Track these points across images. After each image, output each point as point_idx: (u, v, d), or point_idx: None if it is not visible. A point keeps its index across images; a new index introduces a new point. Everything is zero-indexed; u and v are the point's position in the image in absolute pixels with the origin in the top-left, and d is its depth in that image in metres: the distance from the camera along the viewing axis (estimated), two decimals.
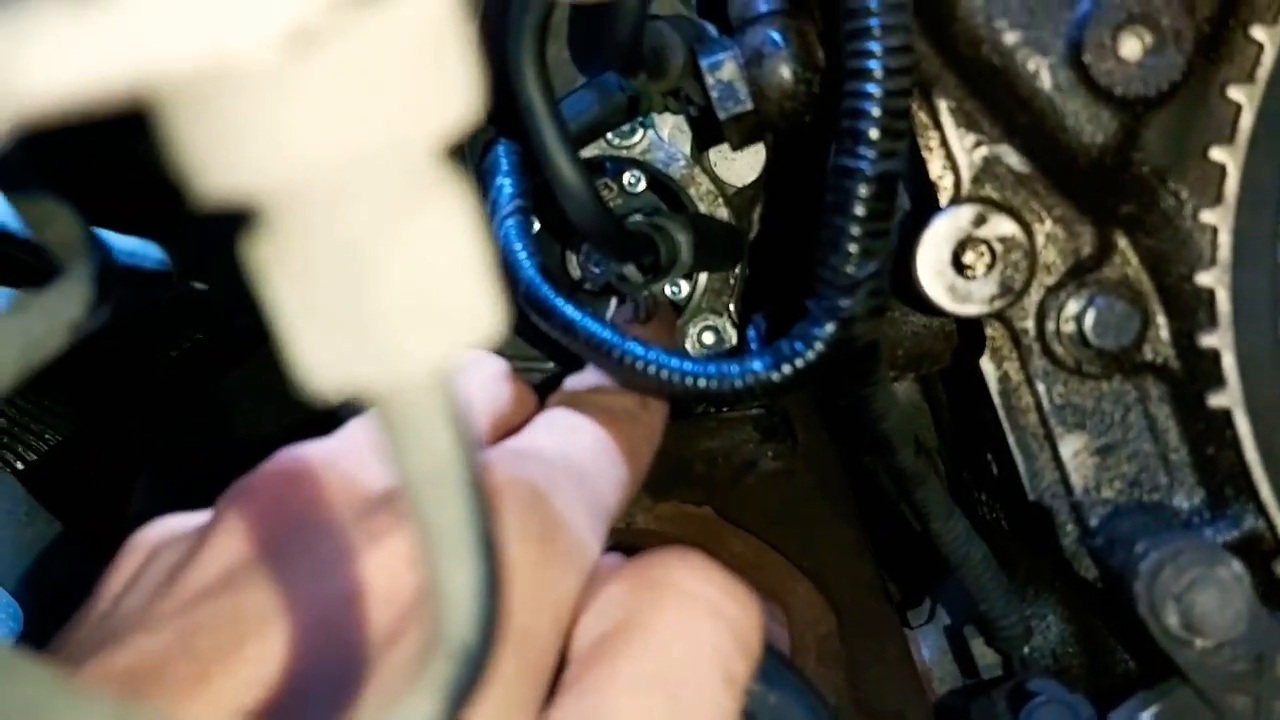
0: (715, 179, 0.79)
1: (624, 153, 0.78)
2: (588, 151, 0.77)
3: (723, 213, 0.79)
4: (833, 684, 0.80)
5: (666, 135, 0.79)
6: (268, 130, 0.18)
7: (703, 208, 0.78)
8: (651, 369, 0.56)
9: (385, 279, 0.19)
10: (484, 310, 0.20)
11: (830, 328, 0.54)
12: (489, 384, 0.52)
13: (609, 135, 0.77)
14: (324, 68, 0.17)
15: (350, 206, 0.19)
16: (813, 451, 0.79)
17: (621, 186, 0.77)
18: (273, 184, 0.19)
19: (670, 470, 0.81)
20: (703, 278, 0.79)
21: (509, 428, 0.53)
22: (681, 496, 0.82)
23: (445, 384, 0.21)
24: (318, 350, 0.20)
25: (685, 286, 0.78)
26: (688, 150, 0.79)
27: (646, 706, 0.35)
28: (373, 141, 0.19)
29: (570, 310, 0.58)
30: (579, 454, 0.48)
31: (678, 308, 0.79)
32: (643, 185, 0.77)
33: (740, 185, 0.80)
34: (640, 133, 0.78)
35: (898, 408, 0.59)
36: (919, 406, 0.81)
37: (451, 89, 0.19)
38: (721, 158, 0.80)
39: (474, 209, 0.20)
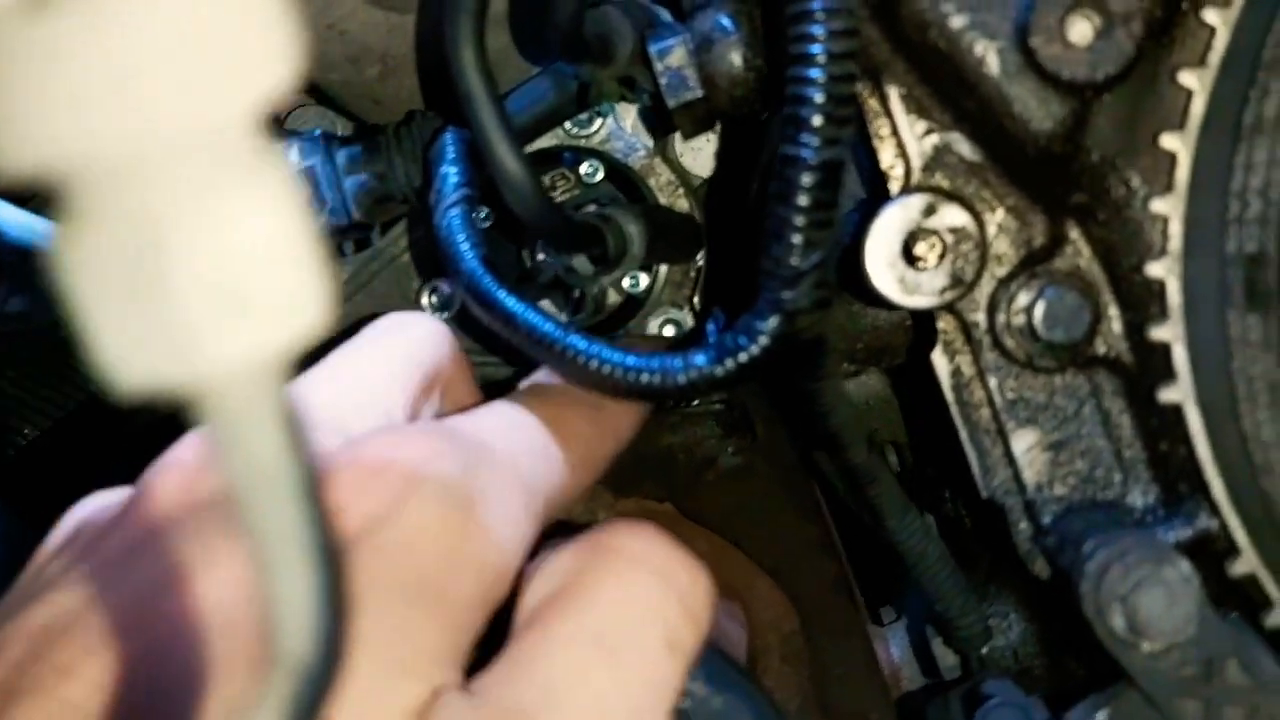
0: (680, 170, 0.78)
1: (582, 142, 0.77)
2: (545, 141, 0.76)
3: (683, 204, 0.78)
4: (796, 683, 0.78)
5: (630, 124, 0.77)
6: (48, 99, 0.17)
7: (663, 198, 0.77)
8: (593, 364, 0.55)
9: (186, 267, 0.18)
10: (304, 301, 0.19)
11: (774, 321, 0.52)
12: (423, 341, 0.51)
13: (567, 124, 0.76)
14: (92, 27, 0.16)
15: (146, 187, 0.17)
16: (773, 447, 0.77)
17: (579, 177, 0.76)
18: (63, 160, 0.17)
19: (632, 466, 0.79)
20: (663, 270, 0.78)
21: (457, 395, 0.53)
22: (643, 493, 0.81)
23: (268, 382, 0.19)
24: (119, 346, 0.18)
25: (645, 279, 0.77)
26: (651, 140, 0.78)
27: (583, 664, 0.36)
28: (167, 113, 0.17)
29: (512, 303, 0.56)
30: (514, 438, 0.47)
31: (637, 301, 0.77)
32: (600, 175, 0.75)
33: (706, 176, 0.78)
34: (599, 122, 0.76)
35: (846, 403, 0.58)
36: (887, 400, 0.80)
37: (262, 53, 0.18)
38: (688, 148, 0.78)
39: (295, 187, 0.19)
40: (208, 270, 0.18)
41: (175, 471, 0.38)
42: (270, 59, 0.18)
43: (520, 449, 0.47)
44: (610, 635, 0.36)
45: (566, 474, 0.50)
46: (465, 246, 0.58)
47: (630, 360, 0.55)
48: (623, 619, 0.37)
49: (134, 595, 0.34)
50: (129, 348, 0.18)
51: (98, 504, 0.41)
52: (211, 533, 0.35)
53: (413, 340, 0.51)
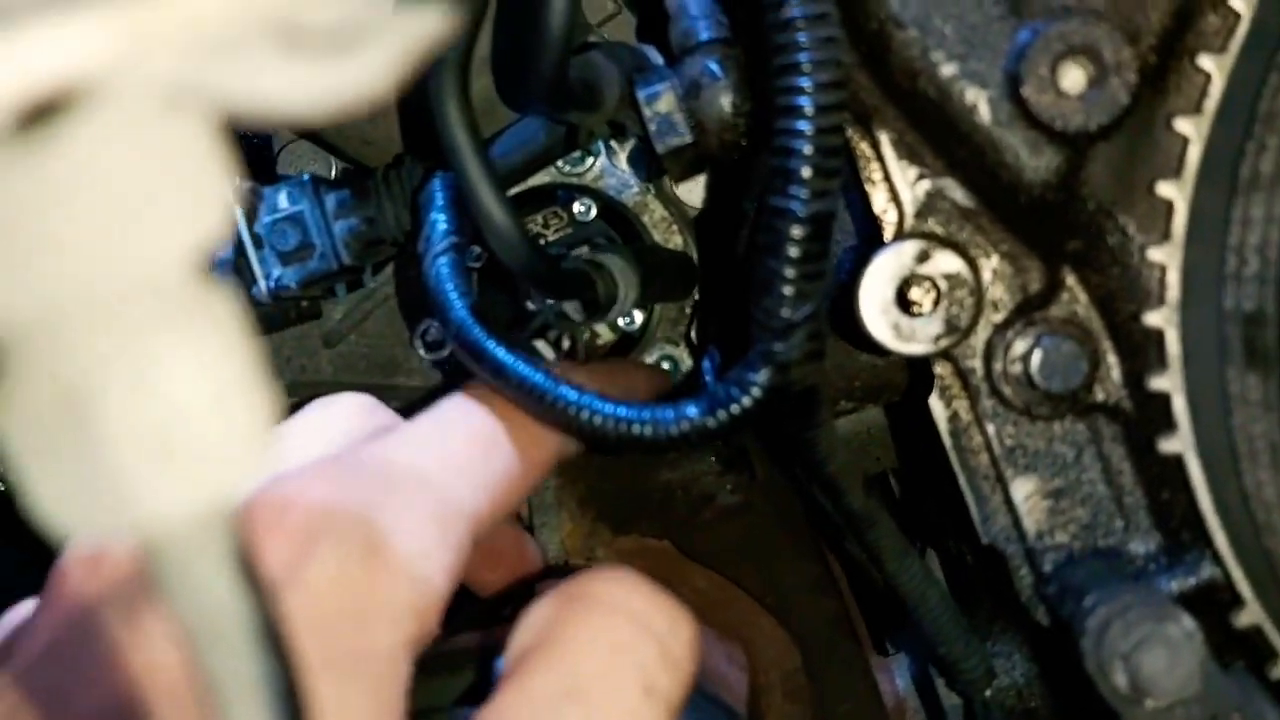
0: (675, 203, 0.77)
1: (575, 180, 0.76)
2: (538, 179, 0.75)
3: (677, 240, 0.77)
4: None
5: (623, 161, 0.77)
6: None
7: (657, 235, 0.76)
8: (584, 415, 0.54)
9: (117, 421, 0.17)
10: (243, 447, 0.18)
11: (766, 373, 0.51)
12: (349, 414, 0.51)
13: (559, 162, 0.75)
14: (10, 184, 0.15)
15: (75, 341, 0.17)
16: (772, 485, 0.76)
17: (572, 215, 0.75)
18: None
19: (630, 504, 0.79)
20: (658, 307, 0.77)
21: None
22: (642, 530, 0.80)
23: (212, 530, 0.19)
24: (55, 498, 0.18)
25: (639, 317, 0.76)
26: (645, 177, 0.77)
27: (556, 717, 0.35)
28: (95, 266, 0.17)
29: (501, 354, 0.56)
30: (433, 458, 0.47)
31: (632, 339, 0.77)
32: (594, 213, 0.75)
33: (701, 206, 0.78)
34: (591, 160, 0.76)
35: (842, 450, 0.57)
36: (885, 429, 0.79)
37: (194, 197, 0.17)
38: (685, 181, 0.78)
39: (236, 328, 0.18)
40: (139, 423, 0.17)
41: (79, 560, 0.37)
42: (203, 203, 0.17)
43: (436, 467, 0.46)
44: (584, 684, 0.36)
45: (503, 480, 0.50)
46: (454, 296, 0.57)
47: (621, 412, 0.54)
48: (596, 667, 0.37)
49: (59, 691, 0.33)
50: (65, 499, 0.18)
51: (15, 615, 0.41)
52: (131, 612, 0.34)
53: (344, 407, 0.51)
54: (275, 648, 0.20)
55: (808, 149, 0.48)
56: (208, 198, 0.17)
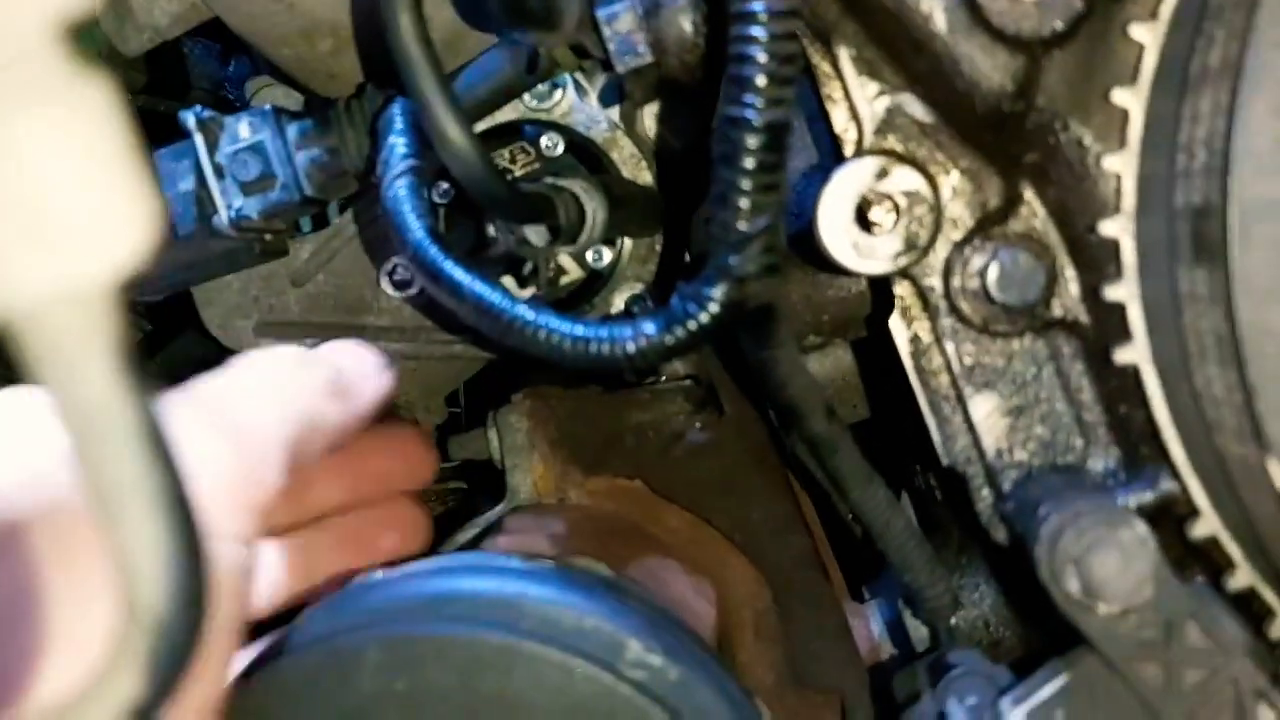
0: (643, 140, 0.77)
1: (543, 115, 0.76)
2: (505, 114, 0.75)
3: (646, 177, 0.77)
4: (770, 660, 0.78)
5: (592, 97, 0.76)
6: None
7: (626, 171, 0.76)
8: (541, 334, 0.54)
9: None
10: (121, 227, 0.18)
11: (722, 287, 0.51)
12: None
13: (527, 98, 0.75)
14: None
15: None
16: (741, 422, 0.76)
17: (539, 150, 0.75)
18: None
19: (602, 443, 0.78)
20: (627, 245, 0.77)
21: None
22: (613, 470, 0.80)
23: (91, 314, 0.18)
24: None
25: (608, 254, 0.76)
26: (614, 113, 0.76)
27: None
28: None
29: (459, 273, 0.55)
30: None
31: (600, 276, 0.76)
32: (561, 149, 0.74)
33: (674, 145, 0.77)
34: (560, 94, 0.75)
35: (803, 372, 0.56)
36: (854, 374, 0.79)
37: None
38: (655, 118, 0.77)
39: (110, 106, 0.18)
40: (5, 198, 0.17)
41: None
42: None
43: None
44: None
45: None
46: (411, 217, 0.57)
47: (579, 329, 0.54)
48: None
49: None
50: None
51: None
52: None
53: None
54: (160, 448, 0.20)
55: (762, 56, 0.48)
56: None
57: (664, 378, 0.80)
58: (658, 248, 0.78)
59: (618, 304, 0.77)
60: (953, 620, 0.66)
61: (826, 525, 0.83)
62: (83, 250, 0.17)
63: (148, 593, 0.20)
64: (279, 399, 0.48)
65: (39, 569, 0.32)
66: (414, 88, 0.52)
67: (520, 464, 0.80)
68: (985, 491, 0.56)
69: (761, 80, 0.48)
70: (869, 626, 0.79)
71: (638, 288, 0.78)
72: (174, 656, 0.21)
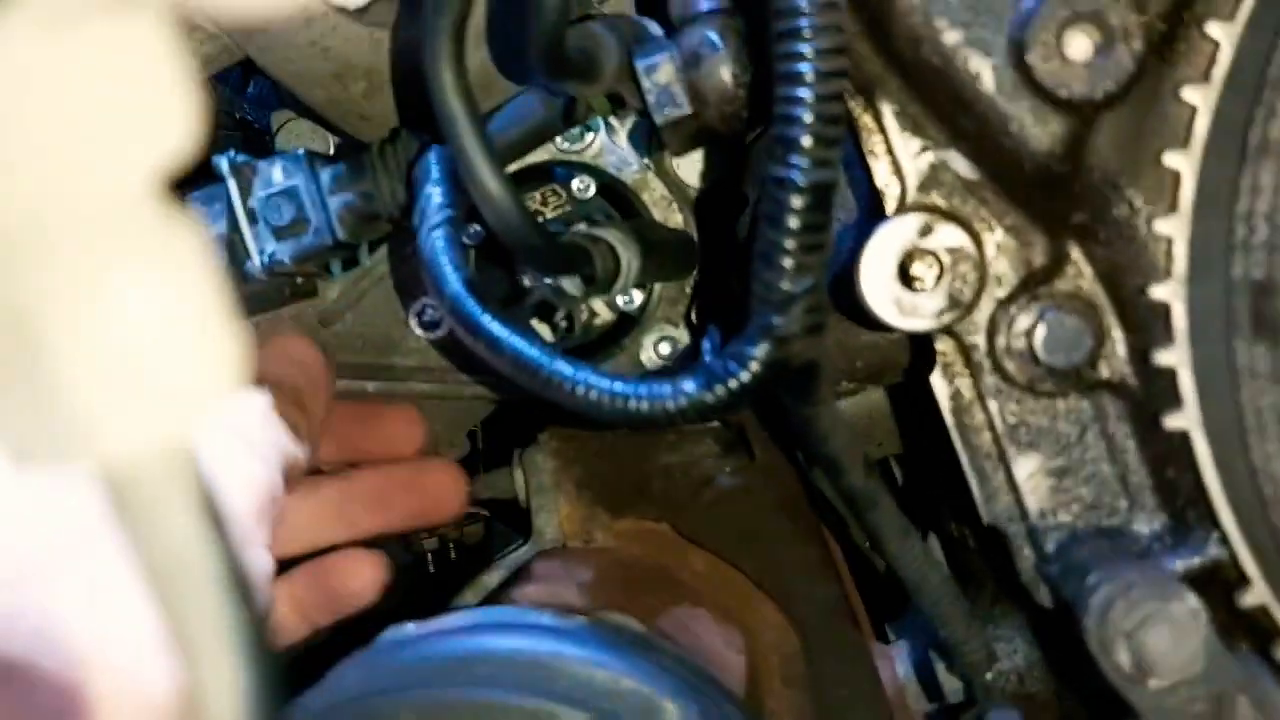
0: (675, 182, 0.76)
1: (574, 157, 0.75)
2: (536, 156, 0.74)
3: (677, 218, 0.76)
4: (798, 708, 0.77)
5: (623, 138, 0.76)
6: None
7: (657, 213, 0.75)
8: (580, 390, 0.54)
9: (70, 350, 0.16)
10: (209, 378, 0.17)
11: (765, 347, 0.50)
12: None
13: (558, 139, 0.74)
14: None
15: (22, 263, 0.16)
16: (771, 467, 0.76)
17: (570, 192, 0.74)
18: None
19: (629, 485, 0.78)
20: (657, 287, 0.76)
21: None
22: (640, 513, 0.79)
23: (178, 466, 0.18)
24: (15, 434, 0.17)
25: (639, 297, 0.75)
26: (645, 154, 0.76)
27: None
28: (49, 184, 0.16)
29: (496, 327, 0.55)
30: None
31: (631, 319, 0.76)
32: (592, 191, 0.74)
33: (701, 187, 0.77)
34: (591, 136, 0.75)
35: (844, 427, 0.56)
36: (888, 414, 0.78)
37: (159, 114, 0.16)
38: (685, 159, 0.77)
39: (203, 252, 0.17)
40: (95, 353, 0.16)
41: None
42: (163, 116, 0.16)
43: None
44: None
45: None
46: (449, 270, 0.57)
47: (618, 386, 0.53)
48: None
49: None
50: (26, 435, 0.17)
51: None
52: None
53: None
54: (243, 594, 0.19)
55: (808, 116, 0.47)
56: (168, 110, 0.16)
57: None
58: (688, 289, 0.77)
59: (647, 346, 0.77)
60: (988, 676, 0.65)
61: (850, 560, 0.82)
62: (175, 404, 0.17)
63: None
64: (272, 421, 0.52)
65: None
66: (455, 143, 0.52)
67: (546, 505, 0.79)
68: (1027, 552, 0.55)
69: (807, 141, 0.48)
70: (894, 669, 0.78)
71: (668, 330, 0.77)
72: None
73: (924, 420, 0.72)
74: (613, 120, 0.75)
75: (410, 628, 0.55)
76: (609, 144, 0.75)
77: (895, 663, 0.78)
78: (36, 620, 0.40)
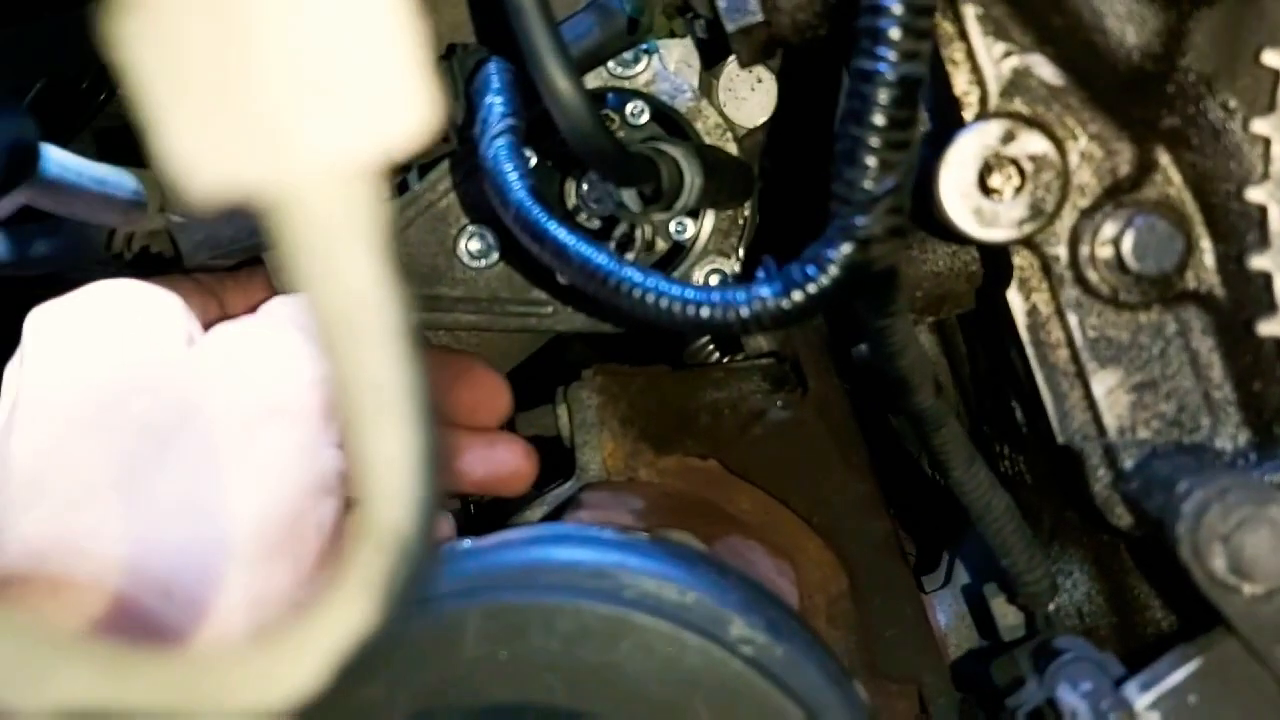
0: (724, 117, 0.75)
1: (627, 83, 0.74)
2: (589, 81, 0.73)
3: (732, 148, 0.75)
4: (844, 647, 0.75)
5: (673, 66, 0.74)
6: None
7: (710, 141, 0.74)
8: (650, 297, 0.52)
9: (276, 54, 0.15)
10: (406, 102, 0.16)
11: (846, 248, 0.49)
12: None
13: (611, 65, 0.73)
14: None
15: None
16: (824, 400, 0.74)
17: (624, 118, 0.73)
18: None
19: (674, 422, 0.76)
20: (709, 218, 0.75)
21: None
22: (686, 449, 0.77)
23: (361, 191, 0.17)
24: (196, 143, 0.16)
25: (691, 226, 0.74)
26: (695, 82, 0.74)
27: None
28: None
29: (564, 234, 0.54)
30: None
31: (683, 248, 0.74)
32: (646, 117, 0.72)
33: (750, 127, 0.75)
34: (644, 62, 0.73)
35: (916, 343, 0.55)
36: (936, 359, 0.77)
37: None
38: (731, 97, 0.75)
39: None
40: (300, 58, 0.15)
41: None
42: None
43: None
44: None
45: None
46: (514, 177, 0.55)
47: (689, 293, 0.52)
48: None
49: None
50: (204, 142, 0.15)
51: None
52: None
53: None
54: (415, 350, 0.18)
55: (897, 7, 0.46)
56: None
57: (745, 355, 0.78)
58: (741, 221, 0.76)
59: (698, 276, 0.75)
60: (1051, 607, 0.64)
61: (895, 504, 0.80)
62: (363, 124, 0.16)
63: (392, 512, 0.18)
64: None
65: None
66: (523, 34, 0.51)
67: (590, 440, 0.78)
68: (1103, 471, 0.54)
69: (895, 32, 0.46)
70: (935, 619, 0.77)
71: (719, 262, 0.76)
72: (409, 581, 0.19)
73: (983, 351, 0.70)
74: (664, 48, 0.73)
75: (467, 543, 0.54)
76: (662, 71, 0.74)
77: (935, 612, 0.77)
78: None
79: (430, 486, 0.19)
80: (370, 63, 0.16)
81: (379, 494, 0.18)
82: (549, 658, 0.48)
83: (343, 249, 0.17)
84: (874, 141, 0.47)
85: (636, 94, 0.73)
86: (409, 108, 0.16)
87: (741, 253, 0.76)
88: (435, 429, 0.19)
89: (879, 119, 0.47)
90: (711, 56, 0.69)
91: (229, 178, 0.16)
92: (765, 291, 0.51)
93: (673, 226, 0.73)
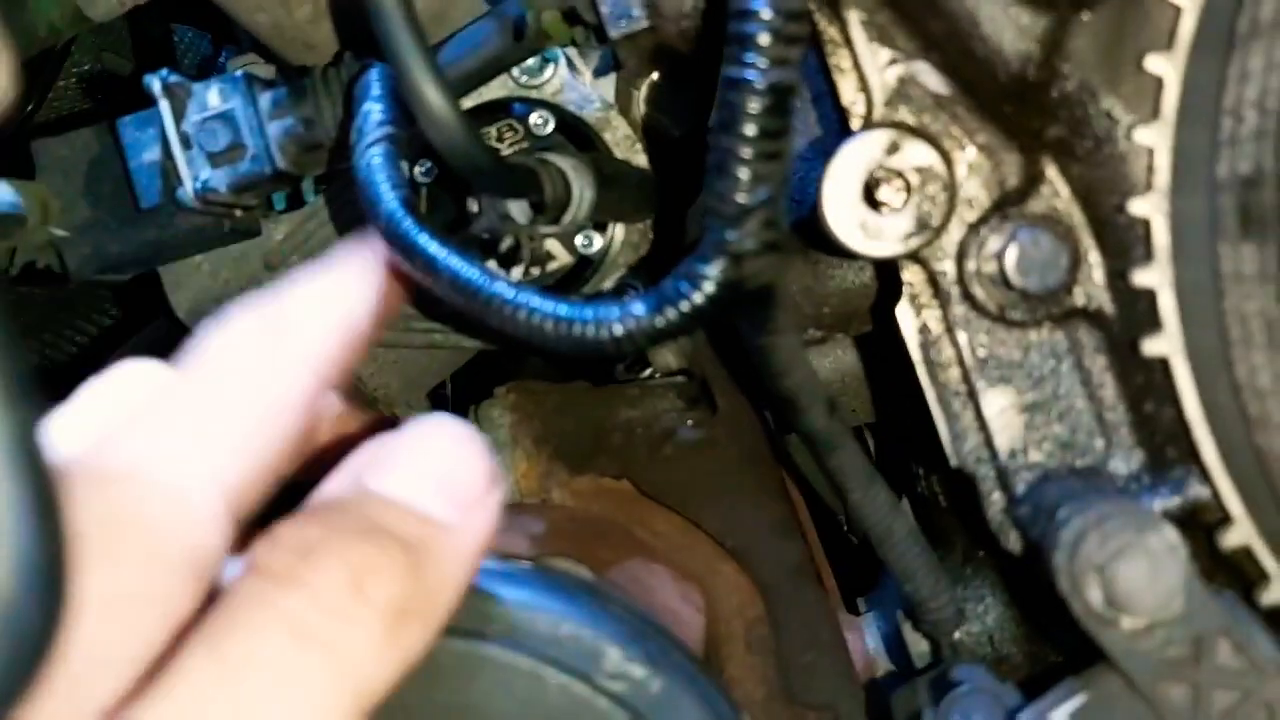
0: (639, 126, 0.73)
1: (534, 93, 0.72)
2: (494, 92, 0.71)
3: (640, 160, 0.73)
4: (761, 673, 0.73)
5: (585, 76, 0.72)
6: None
7: (618, 153, 0.72)
8: (520, 314, 0.50)
9: None
10: None
11: (719, 265, 0.47)
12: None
13: (517, 74, 0.71)
14: None
15: None
16: (735, 420, 0.72)
17: (528, 128, 0.71)
18: None
19: (588, 441, 0.74)
20: (619, 231, 0.73)
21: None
22: (600, 469, 0.75)
23: None
24: None
25: (599, 240, 0.72)
26: (608, 93, 0.73)
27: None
28: None
29: (434, 247, 0.51)
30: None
31: (590, 262, 0.72)
32: (551, 127, 0.70)
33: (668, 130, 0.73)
34: (551, 70, 0.71)
35: (803, 364, 0.52)
36: (858, 376, 0.75)
37: None
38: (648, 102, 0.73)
39: None
40: None
41: None
42: None
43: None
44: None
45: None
46: (385, 187, 0.53)
47: (562, 309, 0.50)
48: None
49: None
50: None
51: None
52: None
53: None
54: (22, 404, 0.15)
55: (765, 12, 0.44)
56: None
57: (655, 372, 0.76)
58: (650, 234, 0.74)
59: (607, 290, 0.73)
60: (956, 635, 0.62)
61: (821, 532, 0.79)
62: None
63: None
64: None
65: None
66: (390, 46, 0.48)
67: (502, 461, 0.76)
68: (996, 495, 0.52)
69: (765, 38, 0.44)
70: (864, 641, 0.75)
71: (628, 275, 0.74)
72: (23, 651, 0.17)
73: (889, 366, 0.68)
74: (574, 56, 0.72)
75: None
76: (570, 80, 0.72)
77: (865, 634, 0.75)
78: None
79: (41, 541, 0.16)
80: None
81: None
82: (399, 697, 0.45)
83: None
84: (745, 152, 0.45)
85: (542, 103, 0.71)
86: None
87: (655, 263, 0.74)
88: (47, 487, 0.16)
89: (749, 128, 0.45)
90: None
91: None
92: (639, 309, 0.49)
93: (579, 240, 0.71)
